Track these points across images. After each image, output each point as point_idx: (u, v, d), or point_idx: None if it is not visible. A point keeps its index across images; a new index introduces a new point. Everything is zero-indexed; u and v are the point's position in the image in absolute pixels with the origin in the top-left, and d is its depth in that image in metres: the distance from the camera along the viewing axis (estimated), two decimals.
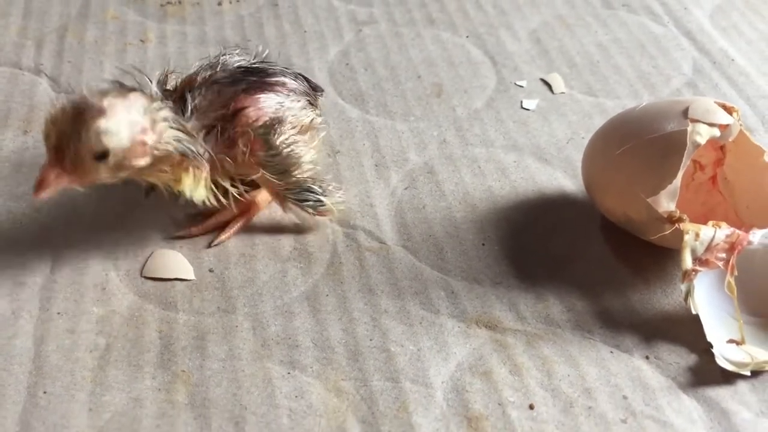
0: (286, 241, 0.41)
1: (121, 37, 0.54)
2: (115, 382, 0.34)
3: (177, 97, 0.39)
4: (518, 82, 0.52)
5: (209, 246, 0.40)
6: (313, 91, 0.43)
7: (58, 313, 0.37)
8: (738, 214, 0.41)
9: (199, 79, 0.39)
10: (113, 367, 0.35)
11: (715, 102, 0.39)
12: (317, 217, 0.41)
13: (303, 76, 0.43)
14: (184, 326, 0.37)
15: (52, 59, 0.52)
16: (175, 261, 0.39)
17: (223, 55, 0.41)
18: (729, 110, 0.39)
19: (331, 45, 0.54)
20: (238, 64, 0.41)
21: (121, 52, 0.53)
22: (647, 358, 0.36)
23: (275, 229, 0.42)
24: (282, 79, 0.41)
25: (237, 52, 0.42)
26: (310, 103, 0.42)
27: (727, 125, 0.38)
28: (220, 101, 0.38)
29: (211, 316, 0.37)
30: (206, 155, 0.38)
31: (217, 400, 0.34)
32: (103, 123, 0.34)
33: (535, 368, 0.36)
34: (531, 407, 0.34)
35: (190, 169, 0.38)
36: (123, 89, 0.36)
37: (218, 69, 0.40)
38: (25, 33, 0.54)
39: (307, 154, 0.40)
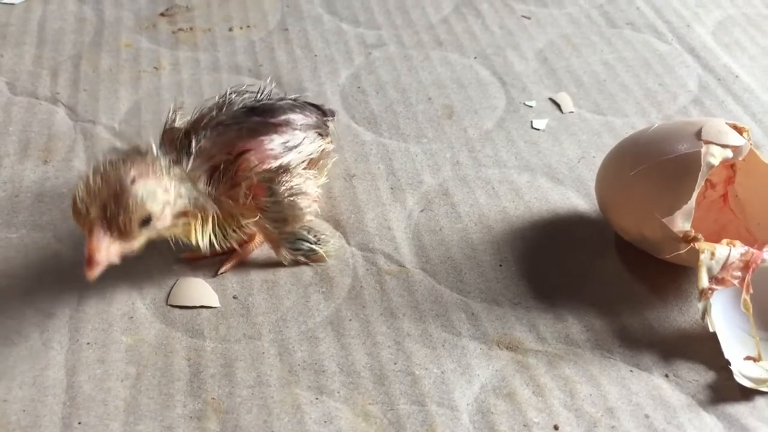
0: (307, 267, 0.42)
1: (135, 64, 0.55)
2: (147, 411, 0.35)
3: (183, 139, 0.39)
4: (527, 102, 0.53)
5: (214, 276, 0.41)
6: (323, 118, 0.44)
7: (88, 343, 0.38)
8: (750, 231, 0.42)
9: (205, 120, 0.40)
10: (145, 396, 0.36)
11: (726, 123, 0.40)
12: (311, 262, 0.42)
13: (312, 105, 0.44)
14: (211, 354, 0.37)
15: (68, 88, 0.53)
16: (200, 289, 0.40)
17: (230, 94, 0.41)
18: (740, 130, 0.39)
19: (342, 68, 0.55)
20: (243, 104, 0.41)
21: (135, 79, 0.54)
22: (667, 376, 0.37)
23: None
24: (287, 116, 0.41)
25: (244, 88, 0.42)
26: (320, 135, 0.43)
27: (739, 146, 0.39)
28: (222, 144, 0.39)
29: (237, 342, 0.38)
30: (211, 202, 0.38)
31: (249, 427, 0.34)
32: (141, 189, 0.35)
33: (558, 389, 0.36)
34: (556, 428, 0.35)
35: (198, 217, 0.38)
36: (133, 153, 0.36)
37: (224, 110, 0.40)
38: (40, 62, 0.55)
39: (309, 206, 0.41)
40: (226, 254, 0.42)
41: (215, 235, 0.39)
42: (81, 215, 0.35)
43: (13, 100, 0.52)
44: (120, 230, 0.35)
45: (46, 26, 0.58)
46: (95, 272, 0.35)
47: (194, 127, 0.40)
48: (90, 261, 0.34)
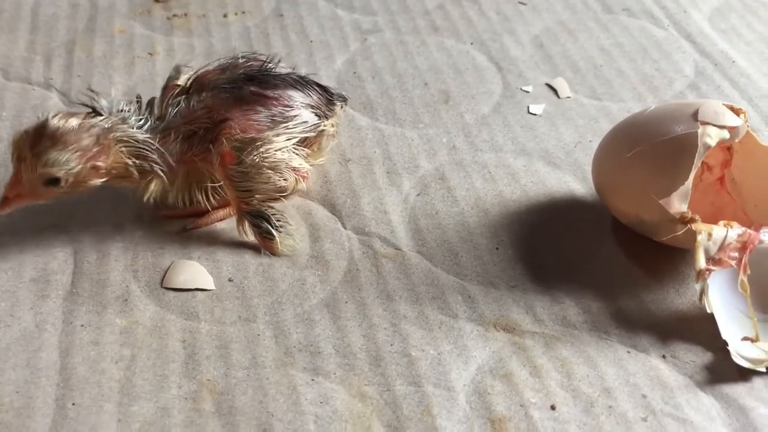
0: (303, 250, 0.41)
1: (129, 50, 0.55)
2: (142, 392, 0.35)
3: (176, 96, 0.41)
4: (524, 88, 0.52)
5: (184, 230, 0.42)
6: (328, 101, 0.44)
7: (82, 326, 0.37)
8: (746, 213, 0.42)
9: (209, 78, 0.41)
10: (139, 378, 0.35)
11: (723, 104, 0.39)
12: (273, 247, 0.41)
13: (318, 86, 0.44)
14: (206, 336, 0.37)
15: (61, 74, 0.52)
16: (195, 271, 0.40)
17: (239, 59, 0.42)
18: (736, 112, 0.39)
19: (338, 54, 0.55)
20: (245, 70, 0.42)
21: (129, 65, 0.53)
22: (664, 357, 0.37)
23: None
24: (285, 92, 0.41)
25: (255, 54, 0.43)
26: (318, 116, 0.43)
27: (736, 127, 0.39)
28: (209, 107, 0.40)
29: (232, 325, 0.38)
30: (175, 162, 0.40)
31: (244, 408, 0.34)
32: (52, 153, 0.37)
33: (555, 370, 0.36)
34: (552, 408, 0.35)
35: (153, 177, 0.40)
36: (82, 114, 0.39)
37: (227, 72, 0.41)
38: (33, 48, 0.54)
39: (280, 182, 0.41)
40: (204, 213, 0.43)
41: (182, 194, 0.41)
42: (11, 157, 0.38)
43: (6, 86, 0.51)
44: (27, 185, 0.38)
45: (40, 12, 0.58)
46: (4, 211, 0.39)
47: (194, 85, 0.41)
48: (2, 200, 0.38)
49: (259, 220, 0.40)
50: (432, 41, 0.56)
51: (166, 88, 0.44)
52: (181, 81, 0.44)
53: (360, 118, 0.50)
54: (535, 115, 0.50)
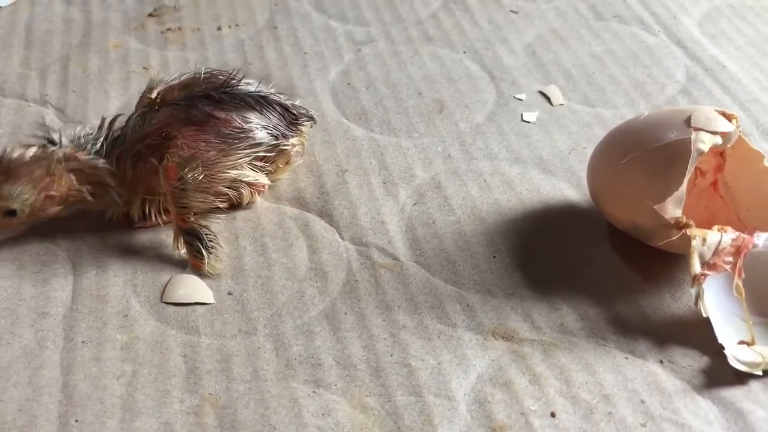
0: (301, 262, 0.42)
1: (124, 65, 0.55)
2: (144, 408, 0.35)
3: (145, 109, 0.43)
4: (517, 96, 0.53)
5: (135, 228, 0.43)
6: (291, 121, 0.44)
7: (83, 342, 0.37)
8: (740, 217, 0.42)
9: (169, 96, 0.43)
10: (141, 393, 0.35)
11: (715, 110, 0.40)
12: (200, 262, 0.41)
13: (281, 106, 0.44)
14: (207, 350, 0.37)
15: (57, 89, 0.53)
16: (194, 285, 0.40)
17: (204, 74, 0.43)
18: (728, 117, 0.40)
19: (332, 65, 0.55)
20: (204, 89, 0.42)
21: (124, 80, 0.53)
22: (661, 362, 0.37)
23: (289, 249, 0.42)
24: (238, 113, 0.42)
25: (217, 71, 0.44)
26: (274, 136, 0.43)
27: (728, 132, 0.39)
28: (163, 123, 0.41)
29: (233, 338, 0.38)
30: (129, 181, 0.41)
31: (246, 422, 0.34)
32: (5, 187, 0.40)
33: (554, 377, 0.36)
34: (553, 415, 0.35)
35: (113, 197, 0.41)
36: (38, 145, 0.40)
37: (186, 89, 0.43)
38: (28, 63, 0.55)
39: (215, 203, 0.42)
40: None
41: (141, 210, 0.42)
42: None
43: (1, 102, 0.51)
44: None
45: (34, 28, 0.58)
46: None
47: (159, 103, 0.43)
48: None
49: (192, 238, 0.41)
50: (425, 51, 0.57)
51: (139, 102, 0.45)
52: (154, 95, 0.44)
53: (355, 128, 0.50)
54: (528, 122, 0.51)
